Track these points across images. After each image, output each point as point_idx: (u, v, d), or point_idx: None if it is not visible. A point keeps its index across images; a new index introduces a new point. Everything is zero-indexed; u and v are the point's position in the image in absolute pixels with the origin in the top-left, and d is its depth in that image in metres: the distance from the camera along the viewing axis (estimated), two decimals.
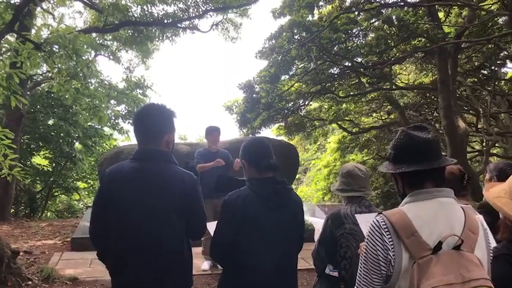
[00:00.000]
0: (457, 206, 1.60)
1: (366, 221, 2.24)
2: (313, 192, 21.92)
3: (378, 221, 1.56)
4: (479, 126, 14.08)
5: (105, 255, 2.27)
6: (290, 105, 13.14)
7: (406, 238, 1.47)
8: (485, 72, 13.50)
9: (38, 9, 10.39)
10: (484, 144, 15.19)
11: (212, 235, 2.40)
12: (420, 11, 10.33)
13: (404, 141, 1.64)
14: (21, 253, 5.79)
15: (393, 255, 1.49)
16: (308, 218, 3.33)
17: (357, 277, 1.63)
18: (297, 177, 16.50)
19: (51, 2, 13.05)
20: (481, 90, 13.28)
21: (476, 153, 15.63)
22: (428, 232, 1.49)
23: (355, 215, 2.48)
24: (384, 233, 1.51)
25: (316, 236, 2.77)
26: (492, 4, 10.34)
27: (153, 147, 2.24)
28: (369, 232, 1.57)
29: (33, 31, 7.19)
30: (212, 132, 5.90)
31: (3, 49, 6.00)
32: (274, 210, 2.29)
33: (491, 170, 2.93)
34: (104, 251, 2.26)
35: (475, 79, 13.54)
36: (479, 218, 1.69)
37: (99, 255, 2.32)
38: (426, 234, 1.48)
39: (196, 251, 5.77)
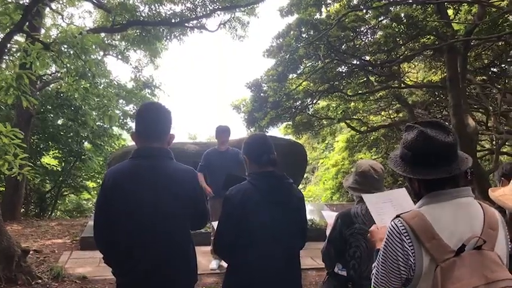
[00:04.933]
0: (476, 204, 1.57)
1: (372, 202, 2.17)
2: (321, 192, 21.82)
3: (396, 225, 1.52)
4: (489, 124, 13.94)
5: (111, 253, 2.28)
6: (298, 104, 13.10)
7: (427, 242, 1.44)
8: (495, 70, 13.34)
9: (47, 9, 10.46)
10: (494, 142, 15.05)
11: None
12: (429, 9, 10.23)
13: (423, 145, 1.54)
14: (31, 252, 5.83)
15: (414, 260, 1.46)
16: (322, 213, 3.30)
17: (375, 274, 1.61)
18: (305, 176, 16.45)
19: (61, 2, 13.14)
20: (491, 88, 13.13)
21: (486, 151, 15.49)
22: (449, 234, 1.46)
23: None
24: (404, 239, 1.48)
25: (328, 231, 2.73)
26: (502, 0, 10.22)
27: (157, 145, 2.28)
28: (388, 236, 1.53)
29: (42, 31, 7.24)
30: (221, 133, 5.82)
31: (13, 49, 6.04)
32: (274, 205, 2.32)
33: (497, 173, 2.94)
34: (108, 250, 2.28)
35: (485, 77, 13.38)
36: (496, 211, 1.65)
37: (105, 256, 2.32)
38: (447, 236, 1.45)
39: (205, 249, 5.78)
